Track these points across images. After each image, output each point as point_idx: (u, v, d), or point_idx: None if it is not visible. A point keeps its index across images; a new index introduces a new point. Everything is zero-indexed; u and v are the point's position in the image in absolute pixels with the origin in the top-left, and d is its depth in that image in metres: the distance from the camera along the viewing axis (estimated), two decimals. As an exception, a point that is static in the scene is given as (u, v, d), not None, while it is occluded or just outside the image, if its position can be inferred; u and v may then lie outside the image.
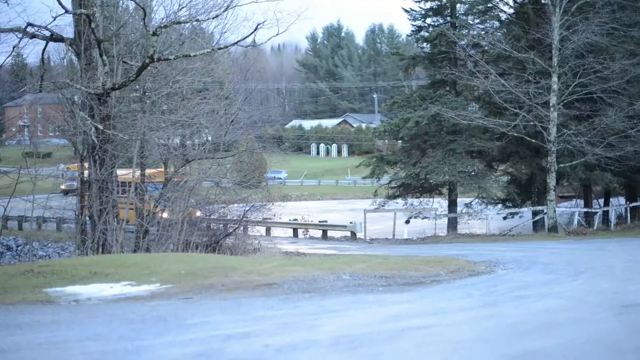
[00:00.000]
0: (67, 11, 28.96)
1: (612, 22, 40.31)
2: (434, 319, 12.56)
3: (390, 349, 9.92)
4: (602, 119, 40.52)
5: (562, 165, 42.29)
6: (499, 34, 48.58)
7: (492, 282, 18.48)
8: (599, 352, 9.65)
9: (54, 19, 28.31)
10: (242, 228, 38.22)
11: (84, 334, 11.25)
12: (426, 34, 51.58)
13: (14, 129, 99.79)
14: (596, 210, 48.91)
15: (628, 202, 50.67)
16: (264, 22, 28.40)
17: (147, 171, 38.11)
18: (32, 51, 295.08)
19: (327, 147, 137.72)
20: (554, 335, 10.86)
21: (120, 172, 40.15)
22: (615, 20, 40.40)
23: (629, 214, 48.95)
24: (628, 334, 10.96)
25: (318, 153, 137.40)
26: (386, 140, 77.37)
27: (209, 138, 38.21)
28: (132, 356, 9.57)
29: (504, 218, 51.54)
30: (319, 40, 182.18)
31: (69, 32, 33.42)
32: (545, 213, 43.04)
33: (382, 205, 50.85)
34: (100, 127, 28.42)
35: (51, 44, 32.90)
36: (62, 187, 65.41)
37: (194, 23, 31.67)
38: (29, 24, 28.11)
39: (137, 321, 12.43)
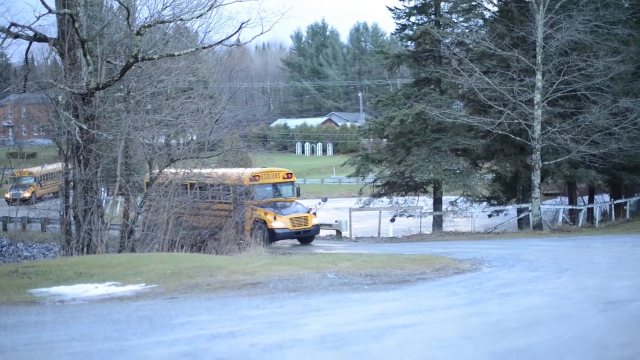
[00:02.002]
0: (50, 11, 28.87)
1: (595, 19, 40.38)
2: (420, 317, 12.57)
3: (375, 347, 9.93)
4: (586, 117, 40.61)
5: (546, 162, 42.39)
6: (483, 32, 48.60)
7: (478, 280, 18.52)
8: (583, 349, 9.67)
9: (38, 19, 28.22)
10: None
11: (68, 334, 11.22)
12: (410, 33, 51.59)
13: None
14: (581, 208, 49.04)
15: (612, 199, 50.84)
16: (248, 21, 28.47)
17: (256, 170, 40.38)
18: (16, 51, 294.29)
19: (312, 146, 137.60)
20: (539, 332, 10.88)
21: (224, 171, 41.07)
22: (598, 17, 40.47)
23: (613, 211, 49.08)
24: (612, 330, 11.00)
25: (303, 152, 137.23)
26: (371, 139, 77.37)
27: (194, 137, 38.17)
28: (117, 356, 9.55)
29: (489, 216, 51.66)
30: (303, 39, 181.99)
31: (52, 32, 33.39)
32: (530, 210, 43.12)
33: (368, 204, 50.88)
34: (85, 127, 28.34)
35: (35, 44, 32.83)
36: (7, 195, 64.76)
37: (178, 22, 31.61)
38: (13, 24, 28.00)
39: (122, 321, 12.40)
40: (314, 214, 41.01)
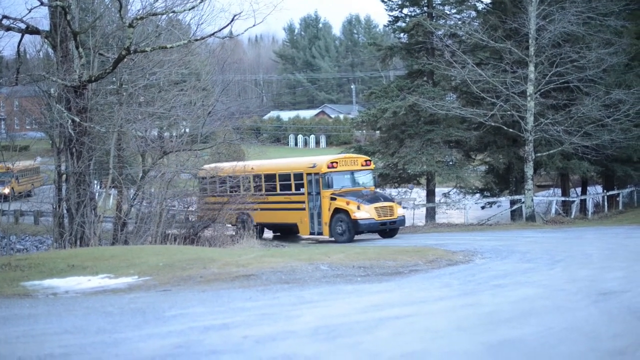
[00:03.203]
0: (42, 3, 28.85)
1: (588, 11, 40.34)
2: (413, 309, 12.59)
3: (369, 339, 9.95)
4: (578, 108, 40.60)
5: (539, 154, 42.40)
6: (475, 23, 48.56)
7: (470, 272, 18.55)
8: (576, 340, 9.69)
9: (30, 11, 28.31)
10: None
11: (61, 327, 11.23)
12: (403, 24, 51.53)
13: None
14: (573, 199, 49.09)
15: (605, 191, 50.90)
16: (240, 13, 28.45)
17: (334, 157, 38.32)
18: (8, 44, 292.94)
19: (305, 138, 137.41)
20: (532, 323, 10.91)
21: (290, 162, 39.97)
22: (591, 9, 40.43)
23: (606, 203, 49.13)
24: (605, 321, 11.02)
25: (296, 144, 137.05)
26: (364, 131, 77.27)
27: (187, 130, 38.09)
28: (110, 349, 9.55)
29: (482, 207, 51.69)
30: (296, 31, 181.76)
31: (44, 25, 33.33)
32: (523, 202, 43.14)
33: (360, 196, 50.74)
34: (77, 119, 28.31)
35: (27, 37, 32.78)
36: None
37: (171, 15, 31.56)
38: (4, 17, 28.00)
39: (115, 314, 12.41)
40: (399, 203, 38.83)
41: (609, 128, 40.62)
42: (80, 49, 28.60)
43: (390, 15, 52.74)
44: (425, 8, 50.62)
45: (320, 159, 37.67)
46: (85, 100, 28.99)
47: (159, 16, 32.27)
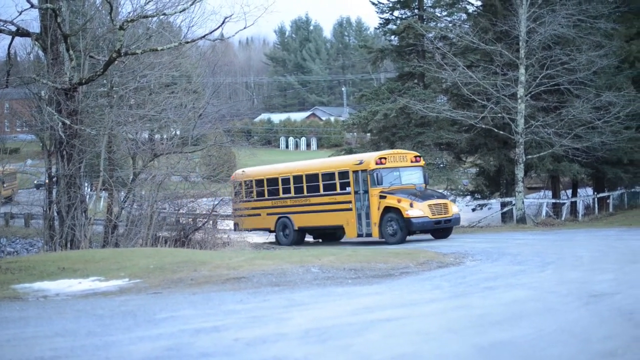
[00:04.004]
0: (32, 5, 28.84)
1: (578, 13, 40.44)
2: (403, 311, 12.60)
3: (359, 341, 9.95)
4: (569, 110, 40.68)
5: (530, 156, 42.47)
6: (466, 26, 48.72)
7: (461, 274, 18.56)
8: (566, 342, 9.71)
9: (20, 14, 28.41)
10: (211, 222, 38.12)
11: (52, 330, 11.22)
12: (394, 27, 51.64)
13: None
14: (564, 201, 49.17)
15: (595, 193, 50.95)
16: (231, 15, 28.53)
17: (383, 152, 35.91)
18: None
19: (296, 141, 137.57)
20: (523, 325, 10.92)
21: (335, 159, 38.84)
22: (581, 12, 40.53)
23: (596, 205, 49.21)
24: (595, 323, 11.04)
25: (287, 146, 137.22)
26: (355, 133, 77.41)
27: (177, 132, 38.07)
28: (101, 352, 9.55)
29: (473, 210, 51.70)
30: (287, 33, 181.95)
31: (35, 27, 33.25)
32: (514, 204, 43.21)
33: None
34: (68, 122, 28.28)
35: (17, 39, 32.76)
36: None
37: (161, 17, 31.64)
38: (-6, 19, 27.93)
39: (106, 316, 12.40)
40: (454, 201, 36.89)
41: (600, 130, 40.71)
42: (71, 52, 28.58)
43: (381, 18, 52.93)
44: (416, 10, 50.76)
45: (367, 155, 35.93)
46: (76, 102, 28.96)
47: (150, 19, 32.27)
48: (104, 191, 38.14)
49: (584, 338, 9.94)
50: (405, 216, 32.26)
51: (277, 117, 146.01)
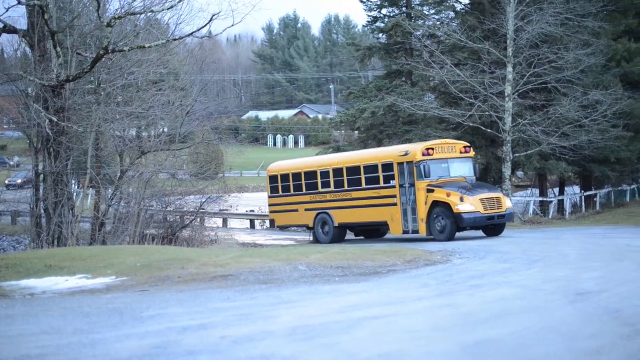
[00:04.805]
0: (20, 2, 28.78)
1: (566, 12, 40.49)
2: (390, 309, 12.61)
3: (346, 339, 9.96)
4: (556, 109, 40.75)
5: (517, 154, 42.53)
6: (454, 24, 48.76)
7: (448, 272, 18.58)
8: (552, 339, 9.73)
9: (7, 10, 28.22)
10: (198, 220, 38.17)
11: (38, 327, 11.19)
12: (382, 25, 51.69)
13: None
14: (551, 199, 49.24)
15: (582, 191, 51.06)
16: (219, 13, 28.57)
17: (430, 142, 33.30)
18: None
19: (284, 138, 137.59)
20: (509, 323, 10.95)
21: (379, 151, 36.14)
22: (569, 10, 40.58)
23: (583, 203, 49.29)
24: (581, 321, 11.07)
25: (275, 144, 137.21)
26: (343, 131, 77.54)
27: (165, 129, 38.03)
28: (87, 349, 9.53)
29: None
30: (275, 31, 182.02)
31: (22, 24, 33.24)
32: (501, 202, 43.24)
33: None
34: (55, 119, 28.25)
35: (4, 36, 32.69)
36: None
37: (149, 14, 31.52)
38: (-19, 16, 27.86)
39: (93, 314, 12.38)
40: (506, 194, 34.57)
41: (587, 129, 40.78)
42: (58, 48, 28.53)
43: (369, 16, 52.98)
44: (403, 8, 50.79)
45: (413, 146, 33.27)
46: (63, 99, 28.93)
47: (137, 15, 32.25)
48: (91, 188, 38.11)
49: (570, 336, 9.97)
50: (455, 211, 30.12)
51: (264, 115, 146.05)
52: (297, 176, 36.50)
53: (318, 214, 35.20)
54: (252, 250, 26.97)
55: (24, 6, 29.50)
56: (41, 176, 31.25)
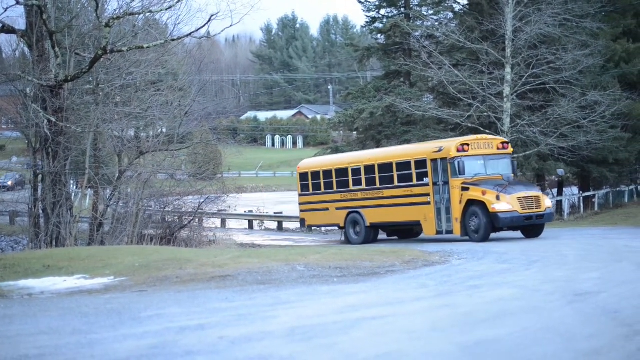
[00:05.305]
0: (18, 2, 28.76)
1: (564, 13, 40.53)
2: (389, 310, 12.60)
3: (345, 340, 9.95)
4: (555, 110, 40.77)
5: (515, 155, 42.50)
6: (452, 25, 48.79)
7: (447, 272, 18.57)
8: (551, 340, 9.73)
9: (5, 10, 28.24)
10: (197, 220, 38.14)
11: (37, 328, 11.18)
12: (380, 25, 51.83)
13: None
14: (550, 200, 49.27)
15: (581, 192, 51.10)
16: (217, 13, 28.56)
17: (465, 138, 32.27)
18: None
19: (283, 139, 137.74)
20: (508, 324, 10.94)
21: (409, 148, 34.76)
22: (567, 11, 40.61)
23: (582, 204, 49.33)
24: (580, 321, 11.06)
25: (273, 144, 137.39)
26: (341, 132, 77.67)
27: (163, 130, 38.01)
28: (85, 350, 9.52)
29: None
30: (273, 31, 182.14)
31: (20, 24, 33.19)
32: (500, 203, 43.20)
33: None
34: (53, 119, 28.25)
35: (3, 36, 32.75)
36: None
37: (147, 14, 31.51)
38: (-21, 16, 27.88)
39: (91, 314, 12.37)
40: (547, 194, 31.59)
41: (585, 129, 40.80)
42: (57, 49, 28.53)
43: (367, 16, 53.15)
44: (402, 9, 50.93)
45: (447, 142, 32.15)
46: (62, 100, 28.92)
47: (136, 16, 32.22)
48: (89, 189, 38.10)
49: (568, 337, 9.96)
50: (490, 210, 28.72)
51: (263, 115, 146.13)
52: (327, 174, 35.60)
53: (349, 213, 34.17)
54: (250, 250, 26.96)
55: (22, 6, 29.48)
56: (40, 176, 31.23)
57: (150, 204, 35.23)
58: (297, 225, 46.83)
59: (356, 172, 34.11)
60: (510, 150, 31.97)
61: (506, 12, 40.84)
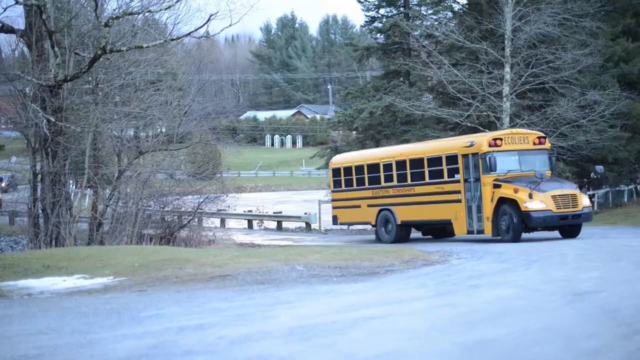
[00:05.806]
0: (17, 2, 28.75)
1: (563, 12, 40.49)
2: (388, 309, 12.59)
3: (344, 339, 9.94)
4: (554, 109, 40.75)
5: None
6: (452, 24, 48.75)
7: (446, 272, 18.56)
8: (551, 340, 9.72)
9: (5, 10, 28.18)
10: (196, 220, 38.11)
11: (36, 327, 11.18)
12: (380, 25, 51.79)
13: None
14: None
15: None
16: (216, 13, 28.55)
17: (498, 132, 31.42)
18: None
19: (282, 138, 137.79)
20: (507, 323, 10.93)
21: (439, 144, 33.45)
22: (566, 10, 40.58)
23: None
24: (580, 321, 11.06)
25: (272, 144, 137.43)
26: (340, 131, 77.49)
27: (163, 130, 38.03)
28: (85, 349, 9.52)
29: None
30: (272, 31, 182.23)
31: (20, 24, 33.19)
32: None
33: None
34: (52, 119, 28.24)
35: (2, 35, 32.78)
36: None
37: (147, 14, 31.52)
38: (-21, 16, 27.85)
39: (90, 314, 12.37)
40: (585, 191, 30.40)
41: (584, 129, 40.78)
42: (56, 48, 28.51)
43: (366, 16, 53.15)
44: (401, 8, 50.90)
45: (479, 136, 30.97)
46: (61, 99, 28.91)
47: (135, 15, 32.21)
48: (89, 189, 38.10)
49: (568, 336, 9.95)
50: (522, 209, 27.42)
51: (262, 115, 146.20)
52: (359, 169, 34.81)
53: (380, 210, 33.29)
54: (250, 250, 26.97)
55: (21, 6, 29.48)
56: (39, 176, 31.22)
57: (149, 203, 35.21)
58: (297, 224, 46.92)
59: (387, 167, 33.26)
60: (547, 145, 30.63)
61: (505, 11, 40.82)
